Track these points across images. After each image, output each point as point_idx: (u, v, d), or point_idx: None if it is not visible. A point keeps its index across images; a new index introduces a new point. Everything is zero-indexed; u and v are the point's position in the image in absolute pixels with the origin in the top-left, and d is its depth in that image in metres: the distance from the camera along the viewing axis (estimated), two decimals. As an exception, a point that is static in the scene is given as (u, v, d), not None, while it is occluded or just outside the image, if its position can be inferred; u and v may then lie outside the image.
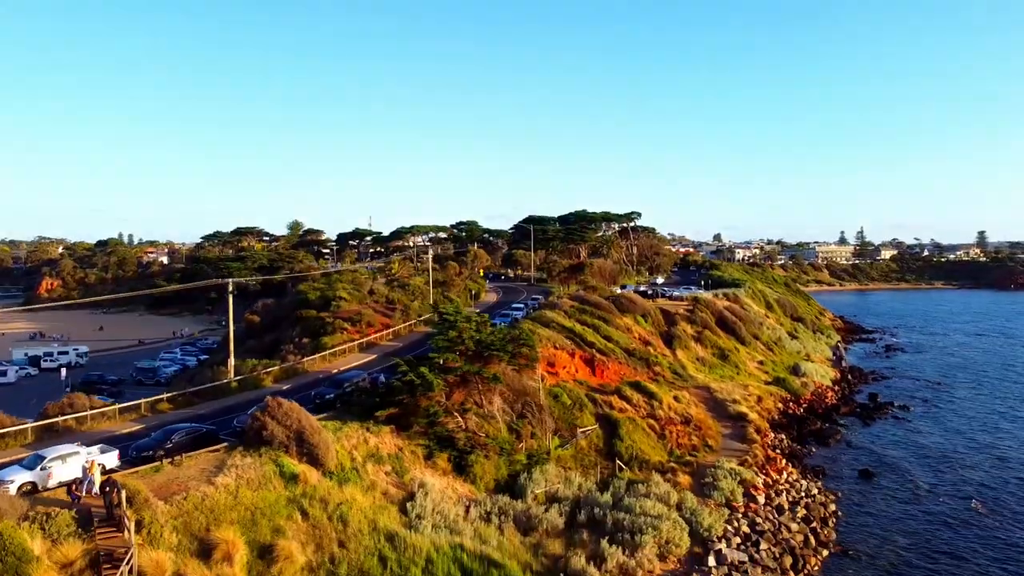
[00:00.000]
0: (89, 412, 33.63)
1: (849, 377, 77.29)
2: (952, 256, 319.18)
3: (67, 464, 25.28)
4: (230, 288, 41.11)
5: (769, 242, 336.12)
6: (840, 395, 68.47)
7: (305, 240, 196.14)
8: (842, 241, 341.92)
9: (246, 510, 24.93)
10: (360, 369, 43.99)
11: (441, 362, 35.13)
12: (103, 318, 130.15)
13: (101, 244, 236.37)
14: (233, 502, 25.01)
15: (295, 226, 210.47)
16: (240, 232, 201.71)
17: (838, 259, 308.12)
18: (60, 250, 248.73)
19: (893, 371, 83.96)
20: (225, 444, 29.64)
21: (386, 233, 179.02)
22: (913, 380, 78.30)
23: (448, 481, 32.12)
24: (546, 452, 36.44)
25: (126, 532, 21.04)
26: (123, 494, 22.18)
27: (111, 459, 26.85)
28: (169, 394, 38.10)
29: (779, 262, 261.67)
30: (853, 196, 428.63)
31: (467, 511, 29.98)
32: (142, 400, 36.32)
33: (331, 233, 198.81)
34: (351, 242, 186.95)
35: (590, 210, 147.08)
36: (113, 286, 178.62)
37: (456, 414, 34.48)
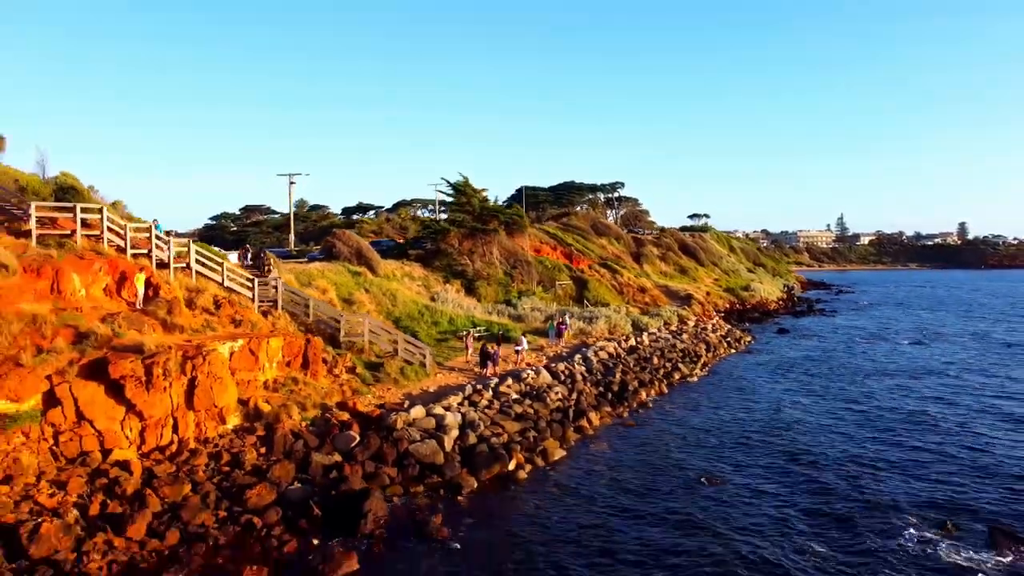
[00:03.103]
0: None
1: (795, 298, 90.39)
2: (929, 243, 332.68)
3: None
4: (290, 180, 53.75)
5: (754, 231, 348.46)
6: (783, 306, 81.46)
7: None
8: (827, 230, 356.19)
9: (330, 280, 37.46)
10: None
11: (454, 219, 47.85)
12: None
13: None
14: (321, 275, 37.54)
15: (301, 203, 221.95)
16: (248, 209, 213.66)
17: (819, 243, 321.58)
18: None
19: (837, 299, 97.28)
20: (305, 259, 42.28)
21: (389, 206, 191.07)
22: (852, 303, 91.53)
23: (461, 296, 44.76)
24: (532, 292, 49.14)
25: (266, 268, 33.59)
26: (264, 252, 34.95)
27: (233, 257, 39.43)
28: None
29: (762, 246, 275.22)
30: (844, 199, 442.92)
31: (474, 307, 42.66)
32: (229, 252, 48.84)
33: (335, 208, 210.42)
34: (355, 216, 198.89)
35: (577, 181, 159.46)
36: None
37: (466, 256, 47.18)
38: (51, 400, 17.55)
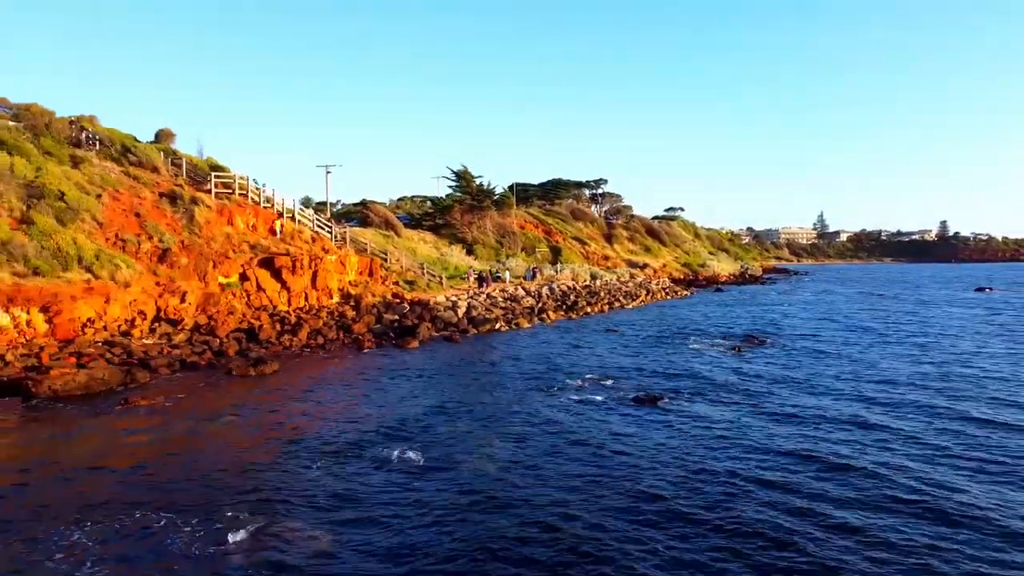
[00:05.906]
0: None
1: (747, 275, 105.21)
2: (906, 239, 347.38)
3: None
4: (327, 171, 68.30)
5: (739, 229, 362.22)
6: (732, 280, 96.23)
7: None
8: (811, 228, 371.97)
9: (368, 238, 52.01)
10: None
11: (456, 198, 62.50)
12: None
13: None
14: (361, 234, 52.10)
15: (307, 202, 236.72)
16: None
17: (800, 240, 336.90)
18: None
19: (788, 279, 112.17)
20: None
21: (396, 200, 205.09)
22: (796, 280, 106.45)
23: (463, 255, 59.39)
24: (516, 255, 63.82)
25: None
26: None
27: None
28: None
29: (744, 241, 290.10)
30: (836, 200, 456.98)
31: (473, 263, 57.36)
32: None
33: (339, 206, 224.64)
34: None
35: (564, 179, 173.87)
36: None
37: (466, 227, 61.85)
38: (244, 277, 32.15)
